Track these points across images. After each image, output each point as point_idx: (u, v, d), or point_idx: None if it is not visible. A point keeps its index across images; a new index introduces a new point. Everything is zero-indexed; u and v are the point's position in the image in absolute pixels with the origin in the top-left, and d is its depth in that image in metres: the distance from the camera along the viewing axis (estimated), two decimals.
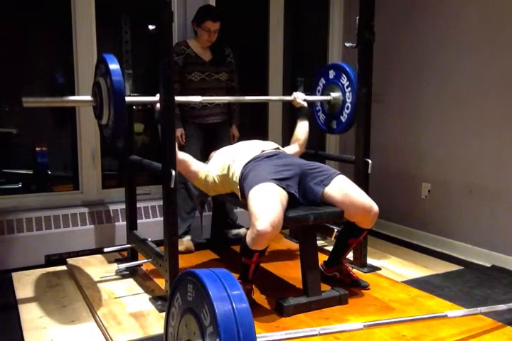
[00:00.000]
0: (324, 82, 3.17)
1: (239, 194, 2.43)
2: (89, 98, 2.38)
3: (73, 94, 3.25)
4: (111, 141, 2.33)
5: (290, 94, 3.05)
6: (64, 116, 3.42)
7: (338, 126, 3.10)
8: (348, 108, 2.98)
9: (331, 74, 3.11)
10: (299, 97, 2.96)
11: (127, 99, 2.26)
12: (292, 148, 2.92)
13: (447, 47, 3.30)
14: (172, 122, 2.23)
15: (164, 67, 2.18)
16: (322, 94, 3.17)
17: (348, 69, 2.96)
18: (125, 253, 3.02)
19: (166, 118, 2.21)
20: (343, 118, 3.02)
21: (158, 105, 2.32)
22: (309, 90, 3.20)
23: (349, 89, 2.95)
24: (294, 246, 3.19)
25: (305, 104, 2.97)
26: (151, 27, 3.57)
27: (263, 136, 3.89)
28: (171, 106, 2.21)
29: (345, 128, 3.06)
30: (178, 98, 2.58)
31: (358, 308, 2.33)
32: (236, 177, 2.43)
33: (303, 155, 2.94)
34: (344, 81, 3.00)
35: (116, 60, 2.24)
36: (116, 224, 3.27)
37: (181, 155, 2.54)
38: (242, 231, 3.41)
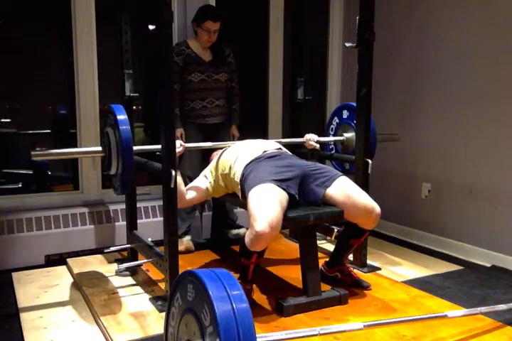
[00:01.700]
0: (338, 121, 3.20)
1: (239, 194, 2.43)
2: (98, 149, 2.45)
3: (73, 95, 3.25)
4: (120, 192, 2.38)
5: (290, 93, 3.04)
6: (64, 116, 3.42)
7: (351, 166, 3.10)
8: None
9: (345, 114, 3.15)
10: (312, 139, 2.94)
11: (135, 148, 2.33)
12: None
13: (448, 48, 3.30)
14: (172, 122, 2.23)
15: (164, 68, 2.18)
16: (335, 134, 3.21)
17: None
18: (125, 253, 3.02)
19: (166, 119, 2.21)
20: None
21: None
22: (319, 130, 3.17)
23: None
24: (294, 246, 3.19)
25: (317, 146, 2.94)
26: (151, 27, 3.57)
27: (263, 136, 3.89)
28: (170, 107, 2.22)
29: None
30: (188, 144, 2.66)
31: (358, 308, 2.33)
32: (237, 178, 2.43)
33: (303, 156, 2.94)
34: None
35: (124, 110, 2.30)
36: (116, 224, 3.27)
37: (188, 195, 2.55)
38: (242, 231, 3.41)
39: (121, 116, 2.26)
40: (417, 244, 3.51)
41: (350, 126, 3.11)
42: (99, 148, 2.45)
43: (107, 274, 2.78)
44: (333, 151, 3.29)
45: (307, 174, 2.41)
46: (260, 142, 2.72)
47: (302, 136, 2.99)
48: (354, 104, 3.10)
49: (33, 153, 2.23)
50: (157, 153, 2.44)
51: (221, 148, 2.81)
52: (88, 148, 2.58)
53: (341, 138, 3.13)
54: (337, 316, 2.24)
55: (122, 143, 2.22)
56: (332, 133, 3.26)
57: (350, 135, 3.10)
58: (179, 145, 2.51)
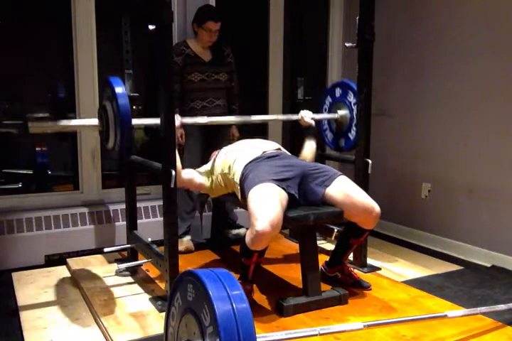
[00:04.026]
0: (331, 100, 3.17)
1: (239, 194, 2.43)
2: (95, 122, 2.40)
3: (73, 95, 3.25)
4: (118, 161, 2.33)
5: (290, 94, 3.04)
6: (64, 116, 3.42)
7: (346, 143, 3.08)
8: (355, 125, 2.95)
9: (338, 92, 3.11)
10: (307, 116, 2.92)
11: (133, 121, 2.29)
12: None
13: (448, 48, 3.30)
14: (172, 122, 2.23)
15: (164, 68, 2.18)
16: (329, 113, 3.17)
17: (354, 87, 2.93)
18: (125, 253, 3.02)
19: (166, 119, 2.21)
20: (351, 135, 3.00)
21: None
22: (315, 108, 3.16)
23: (356, 106, 2.92)
24: (294, 246, 3.19)
25: (313, 123, 2.92)
26: (151, 27, 3.57)
27: (263, 136, 3.88)
28: (170, 106, 2.21)
29: (353, 146, 3.01)
30: (184, 119, 2.63)
31: (358, 308, 2.33)
32: (237, 178, 2.43)
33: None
34: (351, 98, 2.98)
35: (122, 83, 2.25)
36: (116, 224, 3.27)
37: (185, 174, 2.54)
38: (242, 231, 3.41)
39: (119, 89, 2.20)
40: (417, 244, 3.50)
41: (343, 104, 3.05)
42: (96, 121, 2.38)
43: (107, 274, 2.78)
44: (327, 131, 3.24)
45: (307, 173, 2.41)
46: (259, 142, 2.72)
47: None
48: (346, 80, 3.10)
49: (30, 124, 2.17)
50: (154, 127, 2.38)
51: (220, 146, 2.80)
52: (86, 120, 2.50)
53: (335, 115, 3.08)
54: (337, 316, 2.24)
55: (120, 114, 2.15)
56: (325, 113, 3.20)
57: (344, 112, 3.05)
58: (176, 120, 2.46)
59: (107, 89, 2.31)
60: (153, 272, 2.76)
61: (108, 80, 2.28)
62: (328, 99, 3.19)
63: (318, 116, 3.03)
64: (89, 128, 2.56)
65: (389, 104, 3.72)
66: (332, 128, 3.20)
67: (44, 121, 2.28)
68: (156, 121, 2.30)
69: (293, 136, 3.97)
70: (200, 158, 3.21)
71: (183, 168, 2.54)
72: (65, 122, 2.36)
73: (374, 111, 2.96)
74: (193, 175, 2.61)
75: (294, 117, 2.97)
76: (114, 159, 2.35)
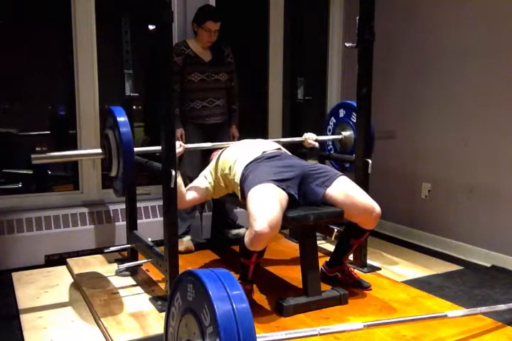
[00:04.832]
0: (335, 121, 3.20)
1: (239, 194, 2.43)
2: (98, 151, 2.43)
3: (73, 95, 3.25)
4: (120, 193, 2.38)
5: (290, 94, 3.04)
6: (64, 116, 3.42)
7: (350, 164, 3.08)
8: None
9: (341, 113, 3.14)
10: (310, 138, 2.93)
11: (136, 149, 2.31)
12: None
13: (448, 47, 3.30)
14: (172, 123, 2.23)
15: (164, 68, 2.18)
16: (333, 133, 3.20)
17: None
18: (125, 253, 3.02)
19: (166, 119, 2.21)
20: None
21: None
22: (320, 130, 3.17)
23: None
24: (294, 246, 3.19)
25: (316, 145, 2.93)
26: (151, 27, 3.57)
27: (263, 136, 3.88)
28: (170, 107, 2.21)
29: None
30: (188, 145, 2.65)
31: (358, 308, 2.33)
32: (237, 178, 2.43)
33: (303, 156, 2.93)
34: (355, 119, 2.99)
35: (124, 112, 2.27)
36: (116, 224, 3.27)
37: (188, 196, 2.54)
38: (242, 231, 3.41)
39: (121, 118, 2.24)
40: (417, 244, 3.51)
41: (347, 125, 3.10)
42: (99, 151, 2.43)
43: (107, 274, 2.78)
44: (331, 152, 3.28)
45: (307, 174, 2.41)
46: (259, 142, 2.72)
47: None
48: (350, 101, 3.12)
49: (33, 156, 2.21)
50: (157, 154, 2.43)
51: (221, 149, 2.81)
52: (88, 150, 2.57)
53: (339, 136, 3.13)
54: (337, 316, 2.24)
55: (123, 145, 2.19)
56: (330, 133, 3.26)
57: (348, 133, 3.10)
58: (179, 146, 2.51)
59: (109, 119, 2.34)
60: (153, 272, 2.76)
61: (110, 110, 2.31)
62: (332, 120, 3.22)
63: (321, 138, 3.05)
64: (93, 157, 2.61)
65: (389, 104, 3.72)
66: (336, 148, 3.23)
67: (45, 151, 2.37)
68: (158, 148, 2.32)
69: (293, 136, 3.96)
70: (200, 159, 3.21)
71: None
72: (68, 153, 2.42)
73: (377, 134, 2.99)
74: (194, 194, 2.58)
75: (298, 139, 2.98)
76: (117, 192, 2.40)
